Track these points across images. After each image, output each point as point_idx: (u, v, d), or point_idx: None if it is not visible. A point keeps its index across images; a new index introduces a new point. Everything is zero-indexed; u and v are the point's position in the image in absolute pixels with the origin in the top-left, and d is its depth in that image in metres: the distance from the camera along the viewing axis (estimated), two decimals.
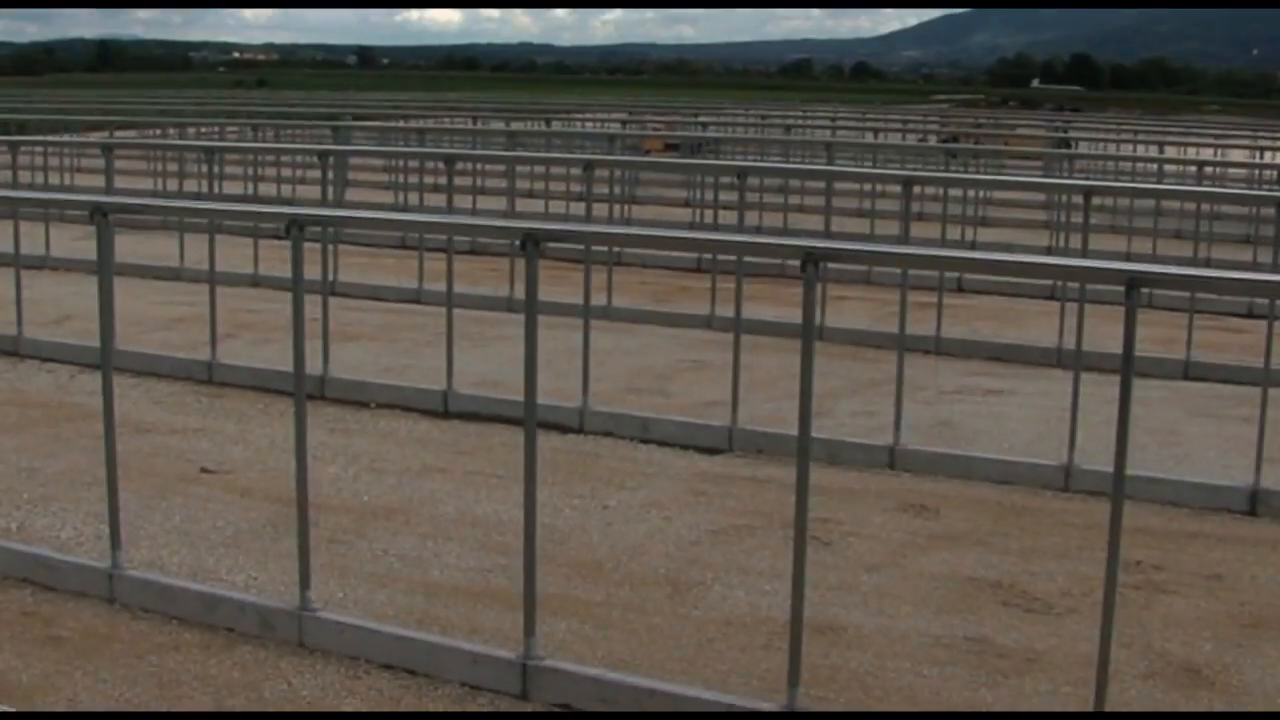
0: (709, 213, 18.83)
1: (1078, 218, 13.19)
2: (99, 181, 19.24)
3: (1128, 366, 4.60)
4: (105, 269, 6.41)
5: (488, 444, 9.39)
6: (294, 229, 5.96)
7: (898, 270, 10.96)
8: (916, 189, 20.85)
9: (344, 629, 6.05)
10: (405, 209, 19.75)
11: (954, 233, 17.83)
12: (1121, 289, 4.73)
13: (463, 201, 19.55)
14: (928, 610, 6.67)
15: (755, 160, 26.22)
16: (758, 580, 6.94)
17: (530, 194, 21.72)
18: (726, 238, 10.35)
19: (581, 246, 10.87)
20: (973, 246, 18.69)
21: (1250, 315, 14.11)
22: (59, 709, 5.50)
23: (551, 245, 16.49)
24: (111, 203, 7.02)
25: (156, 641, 6.18)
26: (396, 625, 6.17)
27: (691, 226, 19.05)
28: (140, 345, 11.79)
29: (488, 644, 5.97)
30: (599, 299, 13.41)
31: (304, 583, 6.13)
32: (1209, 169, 21.71)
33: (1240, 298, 14.31)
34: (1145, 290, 12.80)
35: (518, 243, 5.54)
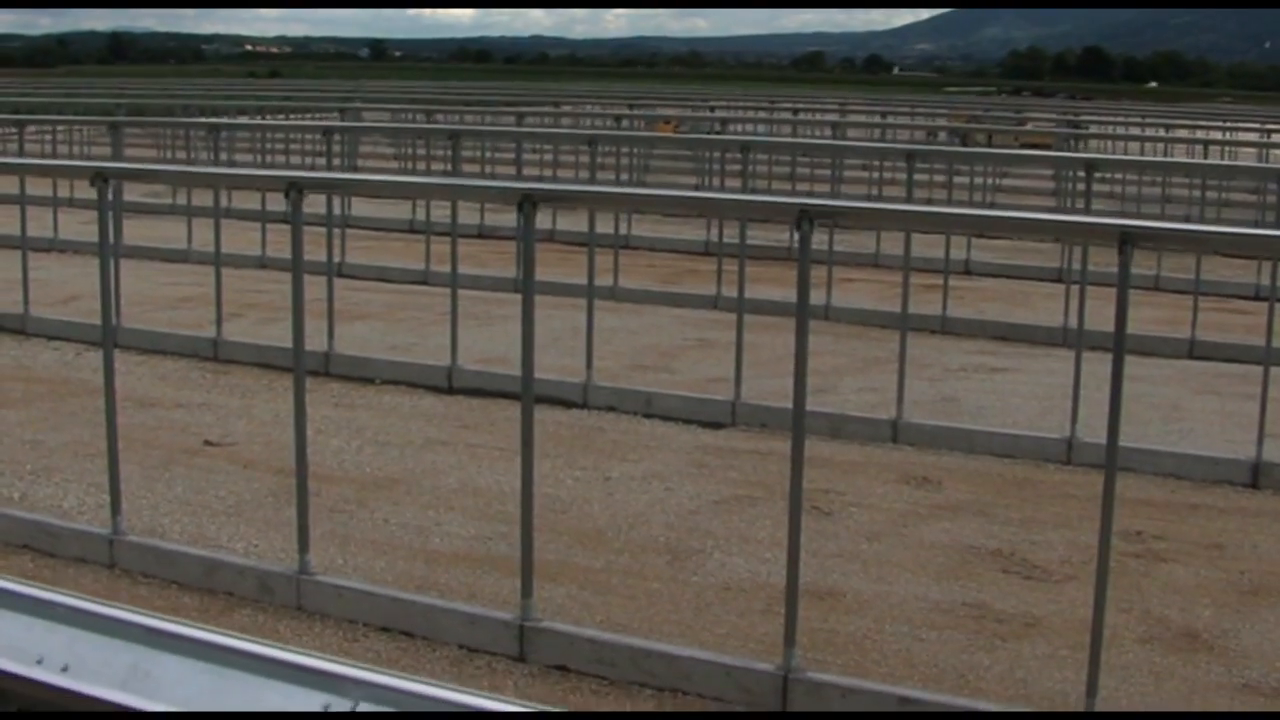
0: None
1: (1083, 203, 13.21)
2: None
3: (1121, 323, 4.59)
4: (105, 235, 6.42)
5: (491, 418, 9.39)
6: (294, 192, 5.97)
7: (903, 253, 10.95)
8: (925, 176, 21.09)
9: (342, 592, 6.07)
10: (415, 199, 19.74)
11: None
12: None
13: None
14: (927, 577, 6.66)
15: (762, 136, 26.11)
16: (757, 548, 6.94)
17: (540, 178, 21.71)
18: (723, 196, 10.37)
19: (586, 231, 10.85)
20: (981, 233, 18.67)
21: (1256, 298, 14.07)
22: None
23: (560, 229, 16.47)
24: (113, 167, 7.03)
25: (155, 605, 6.18)
26: (395, 589, 6.18)
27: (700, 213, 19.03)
28: (147, 324, 11.81)
29: (485, 606, 5.97)
30: (605, 280, 13.42)
31: (303, 546, 6.15)
32: (1216, 149, 21.67)
33: (1245, 279, 14.30)
34: (1152, 272, 12.75)
35: (516, 204, 5.53)
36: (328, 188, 9.06)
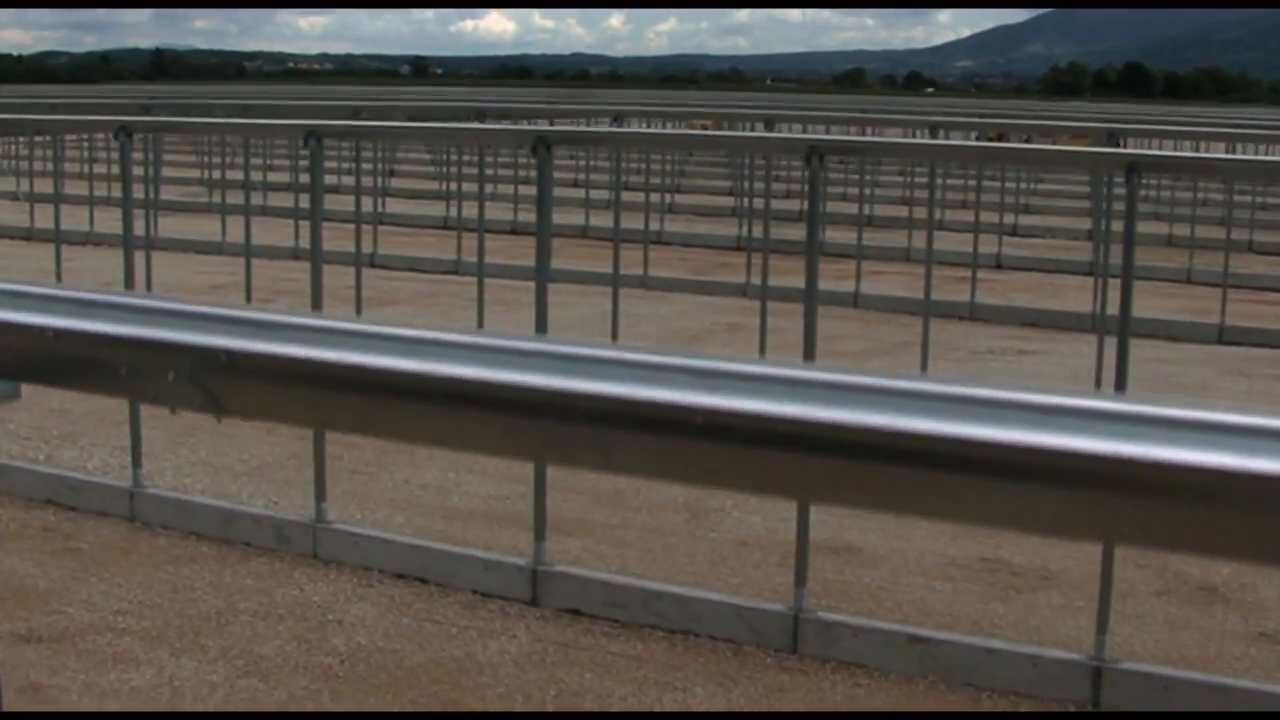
0: (758, 202, 18.84)
1: (1119, 205, 13.17)
2: (138, 171, 19.45)
3: (1129, 254, 4.58)
4: (128, 190, 6.48)
5: None
6: (312, 141, 6.01)
7: (938, 248, 10.92)
8: (958, 182, 21.03)
9: (358, 540, 6.10)
10: (448, 195, 19.83)
11: (994, 218, 17.72)
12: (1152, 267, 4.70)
13: (505, 189, 19.65)
14: (944, 535, 6.64)
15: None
16: (776, 508, 6.91)
17: (574, 183, 21.77)
18: (737, 134, 10.38)
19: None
20: (1014, 231, 18.66)
21: None
22: (73, 610, 5.56)
23: (593, 225, 16.46)
24: (137, 120, 7.09)
25: (173, 554, 6.24)
26: (411, 536, 6.21)
27: (734, 213, 19.08)
28: None
29: (499, 552, 6.00)
30: (636, 269, 13.46)
31: (319, 494, 6.18)
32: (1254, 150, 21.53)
33: (1276, 272, 14.22)
34: (1184, 266, 12.70)
35: (529, 147, 5.56)
36: (346, 135, 9.09)
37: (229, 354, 0.99)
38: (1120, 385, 4.95)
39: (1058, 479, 0.80)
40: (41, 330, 1.07)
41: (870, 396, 0.83)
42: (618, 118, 14.79)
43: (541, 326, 5.95)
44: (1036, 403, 0.84)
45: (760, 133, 10.47)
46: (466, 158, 21.48)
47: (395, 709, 4.76)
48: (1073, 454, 0.79)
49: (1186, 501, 0.78)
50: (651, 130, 12.23)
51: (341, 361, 0.96)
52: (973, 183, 20.06)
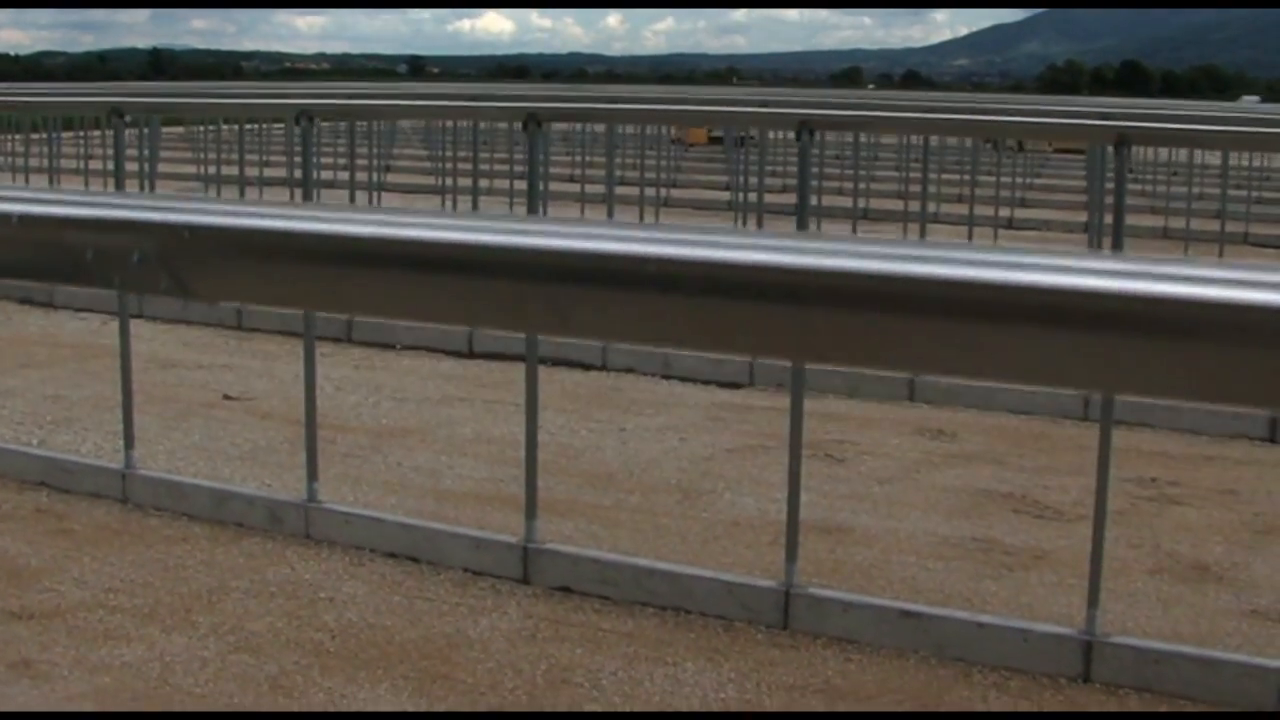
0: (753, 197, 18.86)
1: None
2: (132, 168, 19.44)
3: (1118, 222, 4.59)
4: (121, 167, 6.47)
5: (510, 378, 9.39)
6: (304, 120, 6.01)
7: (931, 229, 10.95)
8: (954, 176, 21.04)
9: (350, 519, 6.10)
10: (443, 191, 19.82)
11: (990, 211, 17.71)
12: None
13: (500, 184, 19.65)
14: (937, 515, 6.65)
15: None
16: (769, 490, 6.93)
17: (570, 178, 21.76)
18: (727, 109, 10.39)
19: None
20: (1010, 224, 18.68)
21: None
22: (65, 588, 5.56)
23: (588, 217, 16.49)
24: (129, 102, 7.09)
25: (165, 534, 6.24)
26: (402, 515, 6.22)
27: (730, 206, 19.11)
28: None
29: (490, 531, 6.00)
30: None
31: (311, 474, 6.18)
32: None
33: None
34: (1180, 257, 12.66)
35: (520, 123, 5.56)
36: (338, 115, 9.10)
37: (191, 229, 0.99)
38: None
39: (1037, 317, 0.79)
40: (6, 216, 1.06)
41: (829, 244, 0.83)
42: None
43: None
44: (985, 257, 0.83)
45: (753, 109, 10.45)
46: (462, 153, 21.48)
47: (386, 683, 4.76)
48: (1048, 290, 0.78)
49: (1181, 337, 0.77)
50: (645, 106, 12.19)
51: (303, 230, 0.96)
52: (968, 178, 20.12)
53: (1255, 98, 57.72)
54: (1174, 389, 0.79)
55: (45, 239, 1.08)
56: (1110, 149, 8.62)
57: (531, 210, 5.61)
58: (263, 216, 0.99)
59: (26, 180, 17.78)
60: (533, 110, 5.52)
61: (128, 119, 6.36)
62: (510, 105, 6.86)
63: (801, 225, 5.05)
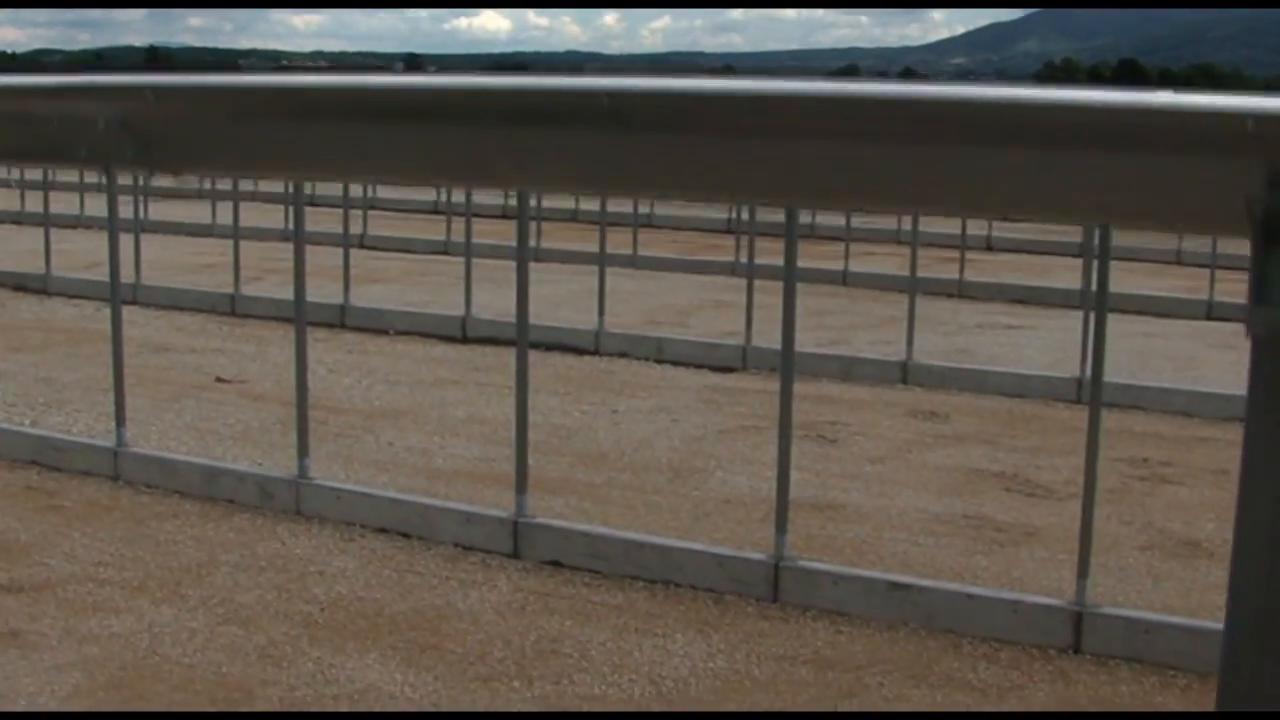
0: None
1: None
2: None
3: None
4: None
5: (502, 362, 9.37)
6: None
7: (928, 230, 10.93)
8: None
9: (340, 495, 6.09)
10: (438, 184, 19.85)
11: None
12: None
13: None
14: (928, 494, 6.65)
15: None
16: (760, 469, 6.92)
17: None
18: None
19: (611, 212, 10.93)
20: (1004, 215, 18.66)
21: None
22: (54, 562, 5.55)
23: (583, 209, 16.44)
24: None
25: (156, 511, 6.23)
26: (392, 491, 6.21)
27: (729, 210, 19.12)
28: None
29: (480, 506, 5.99)
30: (627, 249, 13.47)
31: (302, 450, 6.17)
32: None
33: None
34: (1174, 248, 12.72)
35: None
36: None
37: (156, 90, 0.99)
38: (1101, 318, 4.95)
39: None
40: None
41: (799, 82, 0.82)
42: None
43: (523, 286, 5.93)
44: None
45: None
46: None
47: (374, 653, 4.75)
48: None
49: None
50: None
51: (264, 84, 0.96)
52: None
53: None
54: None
55: (11, 110, 1.08)
56: None
57: (523, 203, 5.60)
58: (224, 75, 0.99)
59: (21, 176, 17.71)
60: None
61: None
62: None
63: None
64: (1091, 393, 5.09)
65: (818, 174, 0.82)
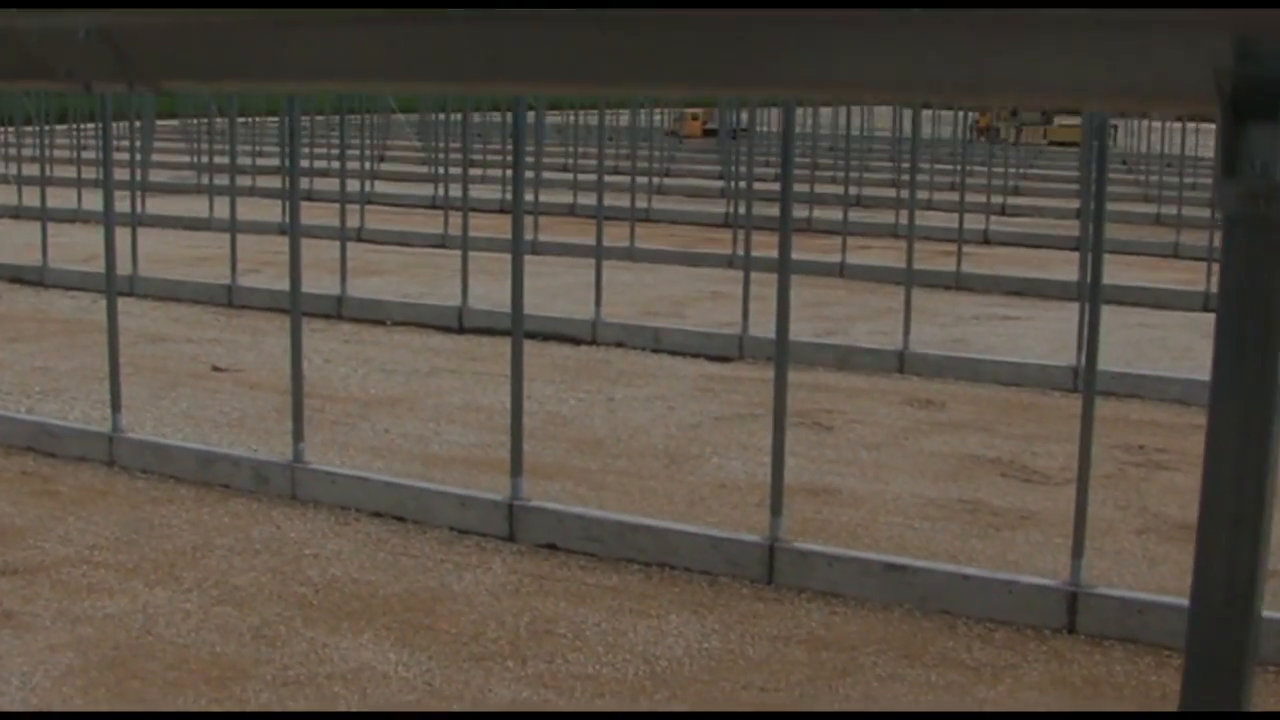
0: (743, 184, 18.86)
1: (1112, 188, 13.14)
2: (122, 157, 19.43)
3: (1101, 180, 4.58)
4: (107, 137, 6.46)
5: (498, 352, 9.36)
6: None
7: (923, 224, 10.91)
8: (948, 166, 21.07)
9: (336, 479, 6.09)
10: (438, 179, 19.79)
11: (981, 198, 17.68)
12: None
13: (494, 171, 19.69)
14: (924, 479, 6.64)
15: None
16: (755, 455, 6.91)
17: (564, 168, 21.78)
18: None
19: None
20: (1003, 211, 18.65)
21: None
22: (49, 546, 5.55)
23: (580, 205, 16.41)
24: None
25: (151, 495, 6.23)
26: (388, 475, 6.21)
27: (723, 193, 19.14)
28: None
29: (476, 489, 5.99)
30: (624, 242, 13.47)
31: (297, 435, 6.17)
32: None
33: None
34: (1171, 241, 12.68)
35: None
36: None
37: None
38: (1095, 306, 4.95)
39: None
40: None
41: None
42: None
43: (518, 270, 5.92)
44: None
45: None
46: (454, 143, 21.47)
47: (368, 634, 4.75)
48: None
49: None
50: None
51: None
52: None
53: None
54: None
55: None
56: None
57: (516, 169, 5.59)
58: None
59: (19, 171, 17.66)
60: None
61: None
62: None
63: (787, 156, 5.05)
64: (1086, 364, 5.08)
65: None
